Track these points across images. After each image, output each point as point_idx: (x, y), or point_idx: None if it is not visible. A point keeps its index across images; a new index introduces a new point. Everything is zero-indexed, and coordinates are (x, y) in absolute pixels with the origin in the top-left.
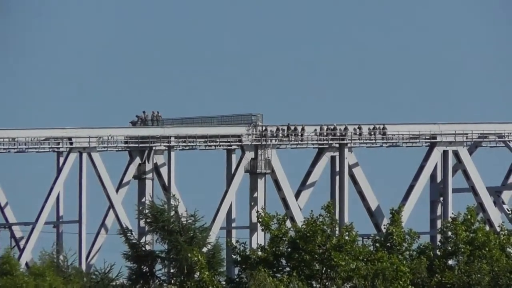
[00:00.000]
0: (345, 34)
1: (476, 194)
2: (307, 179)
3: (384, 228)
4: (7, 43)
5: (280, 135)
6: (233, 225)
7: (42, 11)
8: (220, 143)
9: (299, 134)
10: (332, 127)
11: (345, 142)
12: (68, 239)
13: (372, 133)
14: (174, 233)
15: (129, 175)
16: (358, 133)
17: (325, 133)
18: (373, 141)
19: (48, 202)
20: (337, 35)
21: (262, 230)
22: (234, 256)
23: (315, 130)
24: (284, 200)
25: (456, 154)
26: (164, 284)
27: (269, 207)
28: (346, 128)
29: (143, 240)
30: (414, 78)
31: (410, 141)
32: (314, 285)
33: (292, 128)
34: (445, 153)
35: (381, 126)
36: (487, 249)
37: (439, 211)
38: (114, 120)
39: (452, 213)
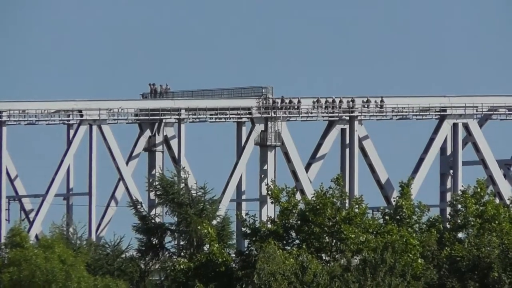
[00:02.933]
0: (352, 5)
1: (486, 167)
2: (317, 152)
3: (394, 201)
4: (18, 15)
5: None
6: (243, 197)
7: None
8: (230, 116)
9: (295, 107)
10: (330, 99)
11: (355, 114)
12: (78, 211)
13: (365, 106)
14: (184, 205)
15: (139, 147)
16: (351, 106)
17: (329, 106)
18: (383, 114)
19: (58, 174)
20: (345, 7)
21: (272, 202)
22: (243, 229)
23: (314, 102)
24: (294, 172)
25: (466, 127)
26: (174, 257)
27: (279, 180)
28: (341, 101)
29: (153, 212)
30: (424, 50)
31: (420, 113)
32: (324, 257)
33: (287, 101)
34: (455, 126)
35: (379, 99)
36: (497, 222)
37: (449, 184)
38: (124, 92)
39: (462, 186)
